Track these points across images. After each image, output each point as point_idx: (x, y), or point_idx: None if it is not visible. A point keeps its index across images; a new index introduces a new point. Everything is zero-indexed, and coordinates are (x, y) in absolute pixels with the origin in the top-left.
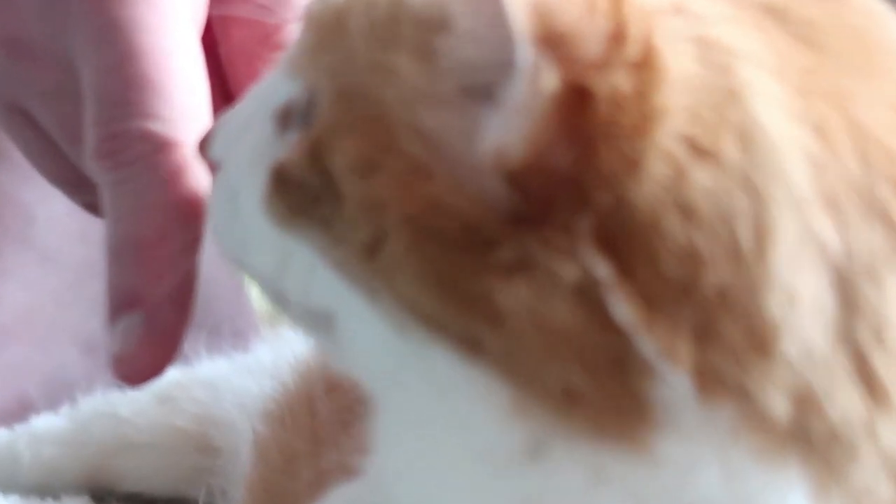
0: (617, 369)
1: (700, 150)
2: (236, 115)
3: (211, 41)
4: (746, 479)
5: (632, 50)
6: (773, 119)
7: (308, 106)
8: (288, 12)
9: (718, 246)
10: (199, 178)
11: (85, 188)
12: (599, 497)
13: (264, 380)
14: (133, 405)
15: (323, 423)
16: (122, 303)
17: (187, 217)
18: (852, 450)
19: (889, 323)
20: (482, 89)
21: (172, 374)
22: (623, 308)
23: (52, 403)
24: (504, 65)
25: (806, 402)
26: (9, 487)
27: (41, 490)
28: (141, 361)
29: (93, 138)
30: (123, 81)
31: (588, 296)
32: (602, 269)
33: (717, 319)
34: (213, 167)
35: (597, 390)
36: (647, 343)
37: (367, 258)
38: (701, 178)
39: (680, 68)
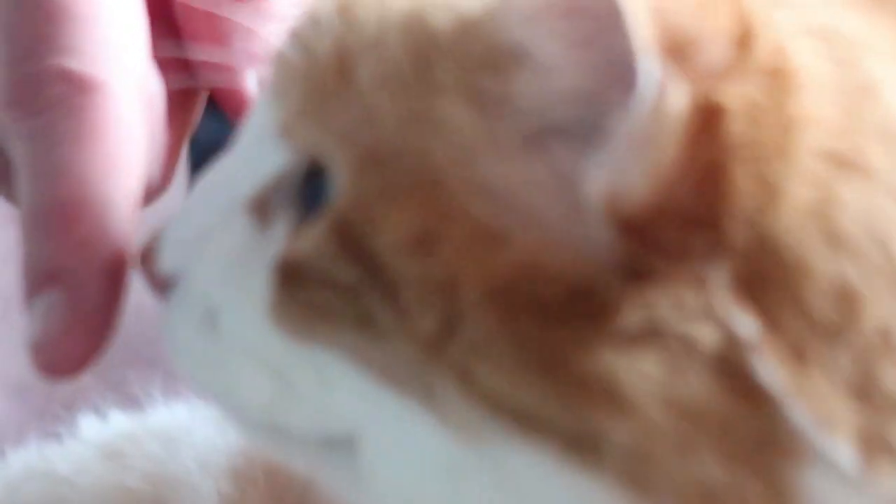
0: (761, 457)
1: (845, 163)
2: (186, 218)
3: None
4: None
5: (762, 52)
6: None
7: (306, 183)
8: None
9: (876, 276)
10: (129, 125)
11: None
12: None
13: (231, 431)
14: (73, 461)
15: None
16: (39, 278)
17: (116, 174)
18: None
19: None
20: (567, 127)
21: (121, 424)
22: (771, 369)
23: None
24: (605, 90)
25: None
26: None
27: None
28: (63, 348)
29: (1, 85)
30: (37, 14)
31: (729, 362)
32: (747, 325)
33: (880, 368)
34: (166, 285)
35: (740, 488)
36: (800, 410)
37: (431, 352)
38: (849, 196)
39: (810, 68)
